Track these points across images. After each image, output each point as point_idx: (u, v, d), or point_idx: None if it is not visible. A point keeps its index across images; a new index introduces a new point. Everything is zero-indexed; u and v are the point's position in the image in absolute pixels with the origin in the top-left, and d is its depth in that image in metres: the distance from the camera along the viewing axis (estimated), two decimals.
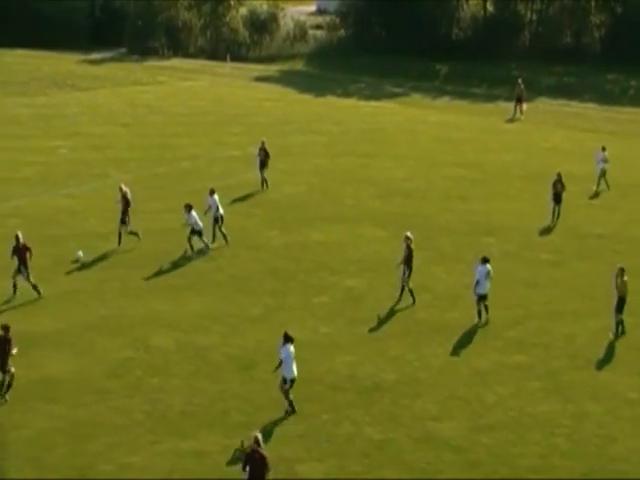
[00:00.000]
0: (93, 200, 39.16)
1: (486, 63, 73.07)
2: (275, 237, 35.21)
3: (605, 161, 41.51)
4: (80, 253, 31.63)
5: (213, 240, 33.93)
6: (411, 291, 29.28)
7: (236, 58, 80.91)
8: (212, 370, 24.86)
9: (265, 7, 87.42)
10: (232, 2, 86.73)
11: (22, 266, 28.46)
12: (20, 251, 28.45)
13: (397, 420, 22.60)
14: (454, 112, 61.25)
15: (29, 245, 28.65)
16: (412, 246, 29.13)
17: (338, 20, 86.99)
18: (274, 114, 58.62)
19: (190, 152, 46.95)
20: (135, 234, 33.38)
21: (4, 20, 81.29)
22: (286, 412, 22.72)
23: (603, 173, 41.62)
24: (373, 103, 64.37)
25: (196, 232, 32.75)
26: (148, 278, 30.62)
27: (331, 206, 39.15)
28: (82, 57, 78.40)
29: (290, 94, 67.28)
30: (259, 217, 37.57)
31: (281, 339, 22.73)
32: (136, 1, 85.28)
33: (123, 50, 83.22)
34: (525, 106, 59.58)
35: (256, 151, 41.37)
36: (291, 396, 22.67)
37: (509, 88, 67.42)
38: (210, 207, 33.81)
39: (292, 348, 22.59)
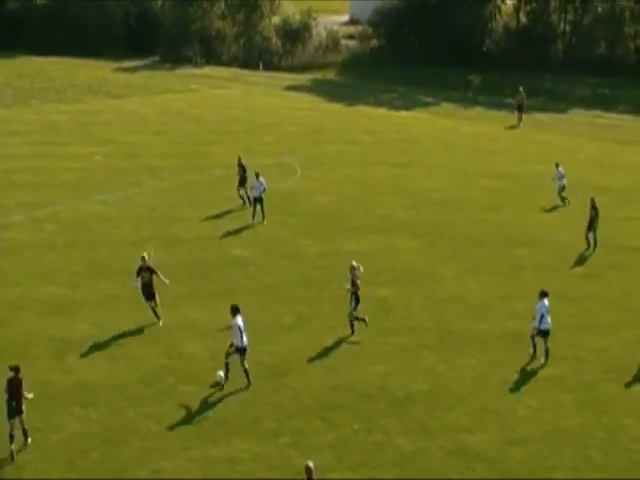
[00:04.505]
0: (126, 207, 39.48)
1: (519, 74, 72.84)
2: (308, 246, 35.34)
3: (562, 177, 41.09)
4: (221, 374, 24.74)
5: (253, 218, 37.50)
6: (358, 320, 27.64)
7: (268, 67, 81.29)
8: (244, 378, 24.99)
9: (298, 16, 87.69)
10: (265, 11, 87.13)
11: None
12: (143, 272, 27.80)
13: (428, 431, 22.63)
14: (487, 122, 61.18)
15: (153, 267, 27.98)
16: (359, 277, 27.54)
17: (370, 30, 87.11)
18: (306, 123, 58.83)
19: (223, 160, 47.15)
20: None
21: (43, 28, 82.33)
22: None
23: (563, 188, 41.15)
24: (405, 113, 64.42)
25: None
26: (182, 285, 30.76)
27: (363, 216, 39.22)
28: (116, 65, 79.05)
29: (322, 103, 67.47)
30: (292, 226, 37.72)
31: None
32: (170, 10, 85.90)
33: (156, 58, 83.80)
34: (522, 115, 59.96)
35: (236, 168, 40.00)
36: (230, 363, 24.30)
37: (542, 99, 67.51)
38: (256, 188, 37.39)
39: (240, 319, 24.22)
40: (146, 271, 27.77)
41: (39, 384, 23.59)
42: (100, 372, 25.00)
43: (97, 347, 26.37)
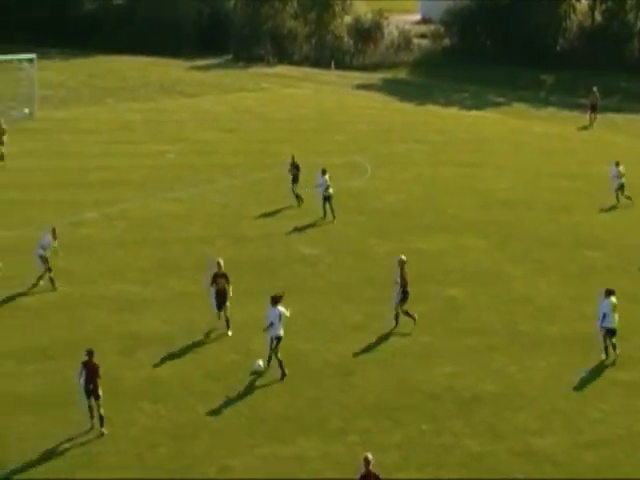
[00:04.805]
0: (198, 204, 39.82)
1: (593, 74, 71.79)
2: (377, 245, 35.27)
3: (620, 176, 40.45)
4: (260, 363, 25.38)
5: (324, 216, 37.53)
6: (410, 315, 27.89)
7: (340, 66, 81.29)
8: (312, 376, 25.05)
9: (370, 16, 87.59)
10: (337, 10, 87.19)
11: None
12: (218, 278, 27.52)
13: (497, 433, 22.45)
14: (559, 123, 60.41)
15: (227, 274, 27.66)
16: (406, 270, 27.83)
17: (443, 29, 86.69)
18: (376, 122, 58.67)
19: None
20: None
21: (117, 28, 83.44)
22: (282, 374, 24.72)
23: (620, 187, 40.55)
24: (476, 113, 63.91)
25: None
26: (250, 282, 30.91)
27: (433, 215, 39.05)
28: (189, 63, 79.74)
29: (392, 102, 67.28)
30: (361, 225, 37.69)
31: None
32: (242, 9, 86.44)
33: (229, 57, 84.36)
34: (596, 115, 58.98)
35: (287, 167, 40.25)
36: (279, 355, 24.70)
37: (616, 99, 66.42)
38: (320, 185, 37.30)
39: (281, 309, 24.65)
40: (221, 277, 27.67)
41: (109, 379, 23.86)
42: (170, 368, 25.27)
43: (167, 343, 26.61)
